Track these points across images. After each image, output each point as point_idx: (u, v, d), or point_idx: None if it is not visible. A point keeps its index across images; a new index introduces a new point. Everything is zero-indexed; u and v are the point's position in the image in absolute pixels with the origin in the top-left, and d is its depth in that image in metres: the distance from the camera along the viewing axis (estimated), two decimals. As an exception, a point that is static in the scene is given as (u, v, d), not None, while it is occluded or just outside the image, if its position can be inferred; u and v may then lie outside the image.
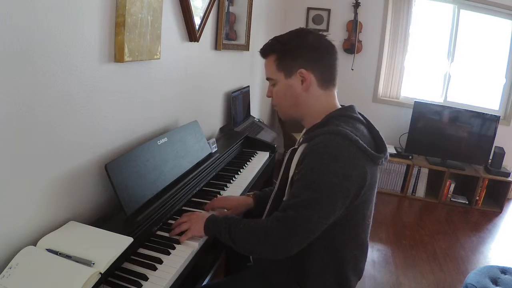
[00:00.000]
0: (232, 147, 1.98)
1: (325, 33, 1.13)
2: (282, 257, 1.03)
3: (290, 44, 1.10)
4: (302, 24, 3.89)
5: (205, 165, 1.63)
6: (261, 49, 1.15)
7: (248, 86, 2.75)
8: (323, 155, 0.98)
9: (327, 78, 1.11)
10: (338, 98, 1.17)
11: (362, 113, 1.17)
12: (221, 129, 2.38)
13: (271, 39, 1.14)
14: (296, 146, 1.12)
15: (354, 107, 1.15)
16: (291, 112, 1.16)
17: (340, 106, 1.15)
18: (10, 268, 0.88)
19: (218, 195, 1.52)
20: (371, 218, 1.15)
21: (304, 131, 1.21)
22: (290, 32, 1.13)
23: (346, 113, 1.10)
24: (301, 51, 1.09)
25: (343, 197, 0.98)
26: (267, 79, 1.17)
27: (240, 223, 1.09)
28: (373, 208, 1.14)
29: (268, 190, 1.40)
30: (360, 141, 0.99)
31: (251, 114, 2.84)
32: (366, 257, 1.19)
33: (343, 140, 0.98)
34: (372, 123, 1.16)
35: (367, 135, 1.09)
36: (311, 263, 1.08)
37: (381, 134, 1.13)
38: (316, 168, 0.98)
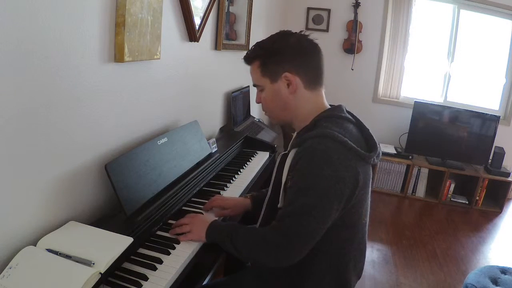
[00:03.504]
0: (232, 147, 1.98)
1: (307, 33, 1.12)
2: (286, 265, 1.02)
3: (272, 49, 1.09)
4: (302, 24, 3.89)
5: (205, 165, 1.63)
6: (244, 56, 1.15)
7: (248, 86, 2.75)
8: (314, 159, 0.97)
9: (313, 79, 1.11)
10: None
11: (351, 112, 1.17)
12: (221, 129, 2.38)
13: (253, 45, 1.14)
14: (286, 151, 1.12)
15: (342, 106, 1.14)
16: (281, 116, 1.16)
17: (328, 106, 1.15)
18: (10, 268, 0.88)
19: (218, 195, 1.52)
20: (368, 216, 1.15)
21: (295, 134, 1.21)
22: (272, 36, 1.13)
23: (334, 114, 1.10)
24: (283, 55, 1.08)
25: (338, 200, 0.98)
26: (254, 85, 1.17)
27: (241, 233, 1.08)
28: (368, 207, 1.14)
29: (265, 191, 1.40)
30: (349, 142, 0.99)
31: (251, 114, 2.84)
32: (364, 256, 1.19)
33: (332, 143, 0.98)
34: (368, 123, 1.15)
35: (357, 134, 1.09)
36: (310, 264, 1.08)
37: (374, 135, 1.13)
38: (308, 173, 0.98)
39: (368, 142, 1.11)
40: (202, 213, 1.33)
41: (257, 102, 1.19)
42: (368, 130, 1.13)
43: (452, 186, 3.57)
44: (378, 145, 1.10)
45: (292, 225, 0.98)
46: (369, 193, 1.12)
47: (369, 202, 1.13)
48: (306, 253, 1.00)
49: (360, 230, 1.12)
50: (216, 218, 1.24)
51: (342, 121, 1.08)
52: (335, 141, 0.98)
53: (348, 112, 1.16)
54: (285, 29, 1.14)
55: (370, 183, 1.11)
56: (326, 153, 0.97)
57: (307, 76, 1.10)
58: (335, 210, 0.99)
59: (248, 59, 1.14)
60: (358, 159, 1.00)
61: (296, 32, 1.12)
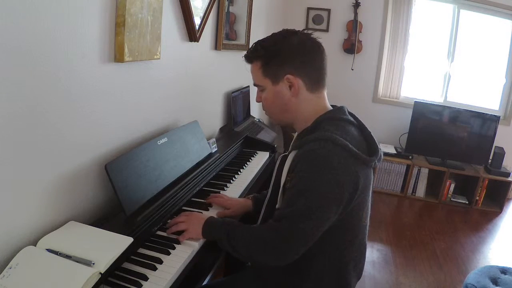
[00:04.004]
0: (232, 147, 1.98)
1: (310, 32, 1.10)
2: (283, 264, 1.02)
3: (274, 50, 1.06)
4: (302, 24, 3.89)
5: (205, 165, 1.63)
6: (245, 55, 1.12)
7: (248, 86, 2.75)
8: (314, 163, 0.97)
9: (316, 81, 1.09)
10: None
11: (353, 113, 1.15)
12: (221, 129, 2.38)
13: (255, 44, 1.10)
14: (286, 153, 1.11)
15: (345, 108, 1.13)
16: (281, 118, 1.15)
17: (330, 107, 1.13)
18: (10, 268, 0.88)
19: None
20: (368, 219, 1.14)
21: (296, 135, 1.21)
22: (274, 35, 1.09)
23: (336, 116, 1.08)
24: (286, 56, 1.05)
25: (337, 204, 0.97)
26: (255, 85, 1.14)
27: (238, 231, 1.08)
28: (369, 209, 1.13)
29: (266, 192, 1.40)
30: (350, 146, 0.98)
31: (251, 114, 2.84)
32: (364, 257, 1.19)
33: (333, 146, 0.97)
34: (368, 123, 1.14)
35: (358, 137, 1.07)
36: (310, 265, 1.08)
37: (374, 135, 1.12)
38: (308, 176, 0.97)
39: (369, 144, 1.10)
40: (201, 213, 1.33)
41: (257, 101, 1.17)
42: (370, 132, 1.12)
43: (452, 186, 3.57)
44: (379, 148, 1.10)
45: (289, 227, 0.98)
46: (370, 195, 1.11)
47: (369, 205, 1.13)
48: (303, 252, 1.00)
49: (361, 232, 1.12)
50: (212, 215, 1.23)
51: (344, 123, 1.07)
52: (336, 145, 0.97)
53: (350, 114, 1.15)
54: (288, 28, 1.11)
55: (371, 186, 1.11)
56: (326, 156, 0.96)
57: (309, 78, 1.08)
58: (334, 214, 0.98)
59: (249, 59, 1.12)
60: (359, 163, 1.00)
61: (298, 31, 1.09)
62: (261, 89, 1.13)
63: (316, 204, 0.96)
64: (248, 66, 1.14)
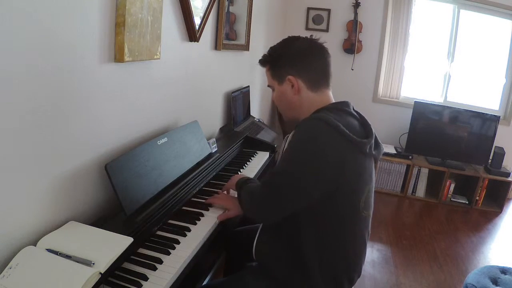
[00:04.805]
0: (232, 147, 1.98)
1: (317, 37, 1.20)
2: (263, 222, 1.22)
3: (278, 53, 1.20)
4: (302, 24, 3.89)
5: (205, 165, 1.63)
6: (259, 60, 1.25)
7: (248, 86, 2.75)
8: (303, 136, 1.06)
9: (316, 81, 1.17)
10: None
11: (357, 111, 1.21)
12: (221, 129, 2.38)
13: (269, 49, 1.24)
14: (289, 134, 1.19)
15: (348, 102, 1.20)
16: (289, 114, 1.25)
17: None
18: (10, 268, 0.88)
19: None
20: (369, 211, 1.17)
21: None
22: (282, 41, 1.22)
23: (337, 106, 1.16)
24: (287, 59, 1.17)
25: (317, 177, 1.02)
26: (268, 86, 1.27)
27: (250, 184, 1.25)
28: (370, 201, 1.17)
29: None
30: (342, 127, 1.03)
31: (251, 114, 2.84)
32: (365, 254, 1.21)
33: (325, 125, 1.03)
34: (371, 122, 1.19)
35: (357, 127, 1.12)
36: (311, 260, 1.09)
37: (377, 133, 1.18)
38: (295, 146, 1.06)
39: (367, 133, 1.15)
40: (202, 214, 1.34)
41: (273, 100, 1.29)
42: (370, 125, 1.17)
43: (452, 186, 3.57)
44: (374, 135, 1.14)
45: (269, 185, 1.10)
46: (370, 186, 1.14)
47: (371, 196, 1.16)
48: (280, 214, 1.10)
49: (359, 224, 1.14)
50: (249, 177, 1.37)
51: (342, 113, 1.13)
52: (328, 125, 1.03)
53: (354, 110, 1.20)
54: (294, 35, 1.22)
55: (371, 177, 1.14)
56: (316, 132, 1.03)
57: (309, 79, 1.17)
58: (314, 188, 1.03)
59: (261, 63, 1.25)
60: (350, 146, 1.04)
61: (302, 37, 1.19)
62: (272, 89, 1.25)
63: (297, 173, 1.03)
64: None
